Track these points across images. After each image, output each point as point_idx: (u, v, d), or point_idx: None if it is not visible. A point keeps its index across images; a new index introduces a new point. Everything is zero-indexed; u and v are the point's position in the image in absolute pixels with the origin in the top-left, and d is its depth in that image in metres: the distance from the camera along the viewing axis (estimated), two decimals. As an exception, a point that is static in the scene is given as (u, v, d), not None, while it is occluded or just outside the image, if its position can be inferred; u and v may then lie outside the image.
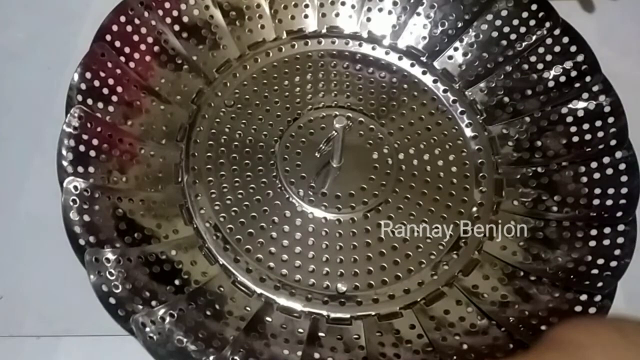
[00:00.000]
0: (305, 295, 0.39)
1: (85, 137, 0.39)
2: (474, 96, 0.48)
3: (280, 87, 0.47)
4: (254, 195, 0.42)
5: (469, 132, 0.46)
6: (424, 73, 0.49)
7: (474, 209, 0.43)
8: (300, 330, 0.37)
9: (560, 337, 0.29)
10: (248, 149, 0.44)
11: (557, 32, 0.45)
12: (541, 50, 0.46)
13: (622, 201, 0.40)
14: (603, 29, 0.52)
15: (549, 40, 0.45)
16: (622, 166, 0.41)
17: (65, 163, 0.38)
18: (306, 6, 0.50)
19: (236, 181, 0.42)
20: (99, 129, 0.40)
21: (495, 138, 0.46)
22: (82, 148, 0.39)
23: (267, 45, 0.49)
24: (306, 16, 0.50)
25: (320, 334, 0.37)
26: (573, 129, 0.44)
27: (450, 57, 0.49)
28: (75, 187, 0.37)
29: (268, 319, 0.37)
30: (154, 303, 0.35)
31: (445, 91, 0.48)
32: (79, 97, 0.40)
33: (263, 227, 0.41)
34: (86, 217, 0.37)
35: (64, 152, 0.38)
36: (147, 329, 0.34)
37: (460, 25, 0.48)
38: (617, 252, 0.39)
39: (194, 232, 0.40)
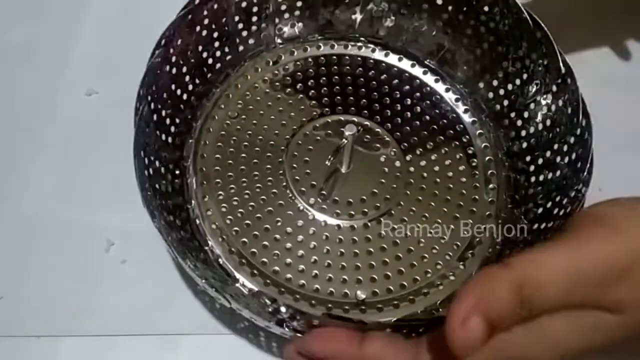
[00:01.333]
0: (325, 305, 0.39)
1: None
2: (475, 93, 0.47)
3: (283, 96, 0.47)
4: (265, 206, 0.42)
5: (474, 130, 0.46)
6: (424, 73, 0.49)
7: (486, 206, 0.43)
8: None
9: (593, 212, 0.27)
10: (256, 160, 0.44)
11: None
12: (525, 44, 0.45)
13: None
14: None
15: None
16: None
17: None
18: (303, 11, 0.49)
19: (246, 193, 0.42)
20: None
21: (500, 134, 0.46)
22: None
23: (265, 53, 0.48)
24: (304, 22, 0.50)
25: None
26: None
27: (450, 55, 0.49)
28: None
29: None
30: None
31: (447, 90, 0.48)
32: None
33: (277, 239, 0.41)
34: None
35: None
36: None
37: (458, 22, 0.48)
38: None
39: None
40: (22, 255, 0.42)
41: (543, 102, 0.44)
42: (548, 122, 0.44)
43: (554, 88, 0.44)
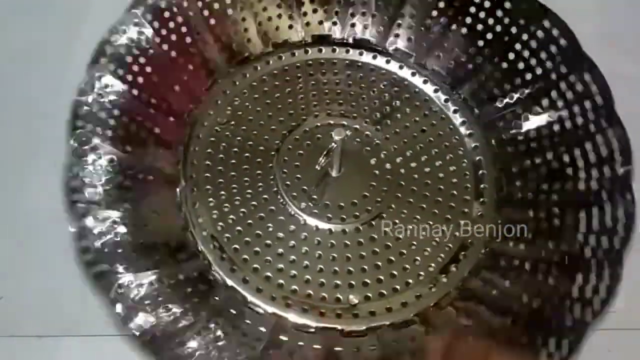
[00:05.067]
0: (318, 311, 0.38)
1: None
2: (465, 94, 0.47)
3: (272, 101, 0.47)
4: (257, 212, 0.42)
5: (464, 130, 0.46)
6: (413, 74, 0.49)
7: (477, 207, 0.43)
8: (316, 346, 0.37)
9: None
10: (246, 166, 0.43)
11: (545, 23, 0.45)
12: (525, 37, 0.45)
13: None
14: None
15: (532, 28, 0.45)
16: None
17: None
18: (290, 17, 0.49)
19: (237, 200, 0.42)
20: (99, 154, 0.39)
21: (491, 134, 0.46)
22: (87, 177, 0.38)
23: (253, 59, 0.48)
24: (290, 27, 0.50)
25: (337, 349, 0.37)
26: (564, 113, 0.43)
27: (438, 56, 0.49)
28: (84, 214, 0.36)
29: (283, 337, 0.37)
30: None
31: (436, 91, 0.48)
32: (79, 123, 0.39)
33: (268, 245, 0.40)
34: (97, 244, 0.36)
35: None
36: None
37: (444, 23, 0.48)
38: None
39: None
40: (22, 255, 0.42)
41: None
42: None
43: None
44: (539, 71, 0.45)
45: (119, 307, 0.33)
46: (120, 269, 0.36)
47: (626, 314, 0.40)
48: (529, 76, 0.45)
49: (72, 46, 0.50)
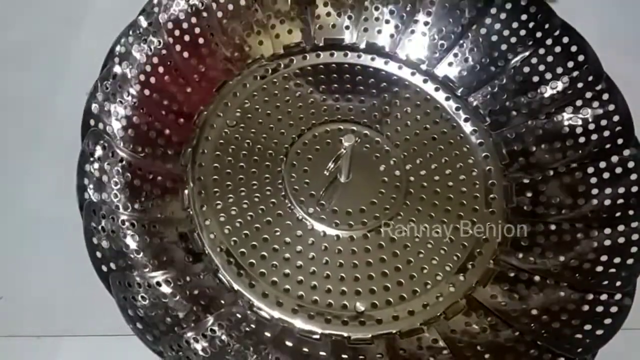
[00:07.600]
0: (324, 317, 0.38)
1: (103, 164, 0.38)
2: (476, 102, 0.47)
3: (282, 104, 0.46)
4: (264, 216, 0.41)
5: (474, 139, 0.46)
6: (424, 81, 0.48)
7: (486, 217, 0.42)
8: (322, 353, 0.37)
9: None
10: (254, 169, 0.43)
11: (556, 33, 0.45)
12: (542, 51, 0.45)
13: (633, 199, 0.40)
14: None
15: (549, 41, 0.45)
16: (631, 164, 0.41)
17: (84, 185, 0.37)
18: (302, 20, 0.49)
19: (244, 203, 0.42)
20: (113, 155, 0.39)
21: (502, 144, 0.46)
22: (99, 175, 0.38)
23: (265, 61, 0.48)
24: (303, 30, 0.49)
25: (343, 356, 0.37)
26: (579, 130, 0.43)
27: (450, 64, 0.48)
28: (94, 212, 0.36)
29: (288, 343, 0.37)
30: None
31: (447, 99, 0.48)
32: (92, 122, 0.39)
33: (276, 249, 0.40)
34: (105, 243, 0.36)
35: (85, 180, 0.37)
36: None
37: (458, 31, 0.48)
38: (633, 249, 0.38)
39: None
40: (22, 255, 0.42)
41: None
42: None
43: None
44: (554, 85, 0.45)
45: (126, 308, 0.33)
46: (129, 268, 0.35)
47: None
48: (543, 90, 0.45)
49: (72, 44, 0.51)
